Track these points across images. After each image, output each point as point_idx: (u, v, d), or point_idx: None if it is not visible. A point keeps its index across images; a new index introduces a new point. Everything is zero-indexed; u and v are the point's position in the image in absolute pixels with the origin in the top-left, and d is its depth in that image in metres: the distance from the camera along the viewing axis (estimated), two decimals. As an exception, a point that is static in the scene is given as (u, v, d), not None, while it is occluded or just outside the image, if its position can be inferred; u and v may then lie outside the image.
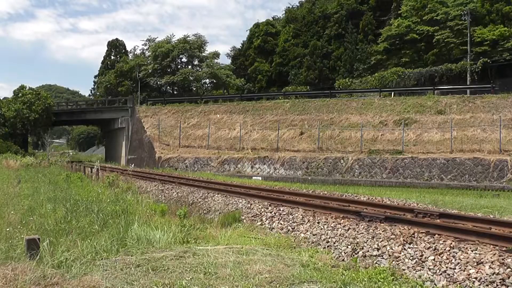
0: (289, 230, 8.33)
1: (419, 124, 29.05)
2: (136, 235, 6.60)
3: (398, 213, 8.94)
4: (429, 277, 5.36)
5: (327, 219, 8.22)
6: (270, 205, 10.06)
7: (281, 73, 59.18)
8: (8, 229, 6.85)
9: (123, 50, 74.10)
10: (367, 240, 6.71)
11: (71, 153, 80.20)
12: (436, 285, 5.21)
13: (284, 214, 9.15)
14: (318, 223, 8.12)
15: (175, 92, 61.81)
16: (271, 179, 25.07)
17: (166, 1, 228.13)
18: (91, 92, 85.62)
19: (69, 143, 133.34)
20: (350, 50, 51.72)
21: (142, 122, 40.75)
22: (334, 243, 7.10)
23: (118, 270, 4.97)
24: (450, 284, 5.12)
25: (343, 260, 6.35)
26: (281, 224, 8.75)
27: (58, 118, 49.51)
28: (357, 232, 7.14)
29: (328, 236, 7.40)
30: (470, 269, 5.22)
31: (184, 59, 63.32)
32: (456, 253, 5.61)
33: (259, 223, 9.20)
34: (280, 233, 8.22)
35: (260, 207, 10.10)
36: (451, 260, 5.50)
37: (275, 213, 9.41)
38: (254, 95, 48.20)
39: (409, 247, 6.14)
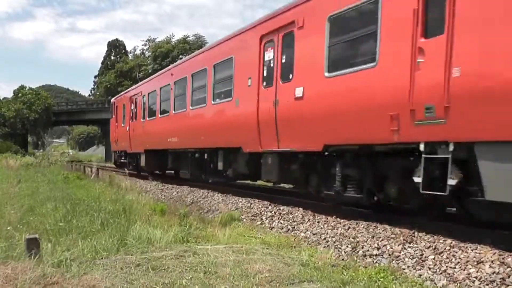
0: (289, 229, 8.33)
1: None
2: (136, 234, 6.60)
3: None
4: (429, 276, 5.36)
5: (327, 218, 8.22)
6: (270, 205, 10.05)
7: (281, 73, 59.12)
8: (8, 229, 6.85)
9: (123, 50, 74.23)
10: (367, 239, 6.72)
11: (71, 153, 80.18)
12: (436, 284, 5.21)
13: (284, 214, 9.15)
14: (318, 222, 8.12)
15: (175, 92, 61.82)
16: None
17: (165, 0, 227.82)
18: (91, 92, 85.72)
19: (69, 143, 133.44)
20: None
21: (142, 122, 40.55)
22: (334, 242, 7.10)
23: (118, 269, 4.97)
24: (450, 283, 5.13)
25: (343, 259, 6.35)
26: (281, 223, 8.75)
27: (58, 118, 49.62)
28: (357, 231, 7.14)
29: (328, 235, 7.40)
30: (470, 268, 5.22)
31: (184, 59, 63.39)
32: (456, 252, 5.61)
33: (259, 222, 9.20)
34: (280, 232, 8.23)
35: (260, 206, 10.10)
36: (451, 259, 5.50)
37: (275, 212, 9.41)
38: (254, 95, 48.07)
39: (409, 246, 6.14)
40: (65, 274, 4.65)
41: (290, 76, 8.82)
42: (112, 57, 72.78)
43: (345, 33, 7.64)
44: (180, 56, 61.96)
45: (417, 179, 6.23)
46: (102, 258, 5.44)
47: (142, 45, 71.81)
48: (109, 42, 74.97)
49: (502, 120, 5.09)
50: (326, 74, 7.86)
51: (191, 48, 60.77)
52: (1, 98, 52.11)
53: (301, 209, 9.14)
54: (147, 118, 17.46)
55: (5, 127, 46.40)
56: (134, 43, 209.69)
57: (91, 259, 5.35)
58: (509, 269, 4.97)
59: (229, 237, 7.19)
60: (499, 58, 5.13)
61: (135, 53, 70.06)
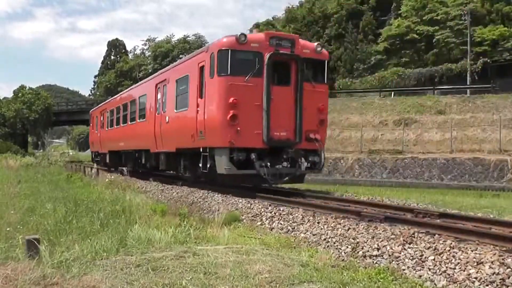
0: (289, 230, 8.33)
1: (419, 124, 29.09)
2: (136, 235, 6.59)
3: (398, 213, 8.93)
4: (429, 277, 5.36)
5: (327, 219, 8.22)
6: (270, 205, 10.05)
7: (281, 73, 59.09)
8: (8, 229, 6.85)
9: (123, 50, 74.24)
10: (367, 240, 6.71)
11: (71, 153, 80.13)
12: (436, 285, 5.21)
13: (284, 214, 9.15)
14: (318, 223, 8.12)
15: (175, 92, 61.89)
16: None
17: (165, 0, 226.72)
18: (91, 92, 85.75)
19: (69, 143, 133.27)
20: (350, 50, 51.74)
21: (142, 122, 40.50)
22: (334, 243, 7.10)
23: (118, 270, 4.97)
24: (450, 284, 5.12)
25: (343, 260, 6.35)
26: (281, 224, 8.75)
27: (58, 118, 49.57)
28: (357, 232, 7.14)
29: (328, 236, 7.40)
30: (470, 269, 5.22)
31: (184, 59, 63.38)
32: (456, 253, 5.61)
33: (259, 223, 9.20)
34: (280, 233, 8.23)
35: (260, 207, 10.09)
36: (451, 260, 5.50)
37: (275, 213, 9.40)
38: (254, 95, 48.13)
39: (409, 247, 6.14)
40: (65, 275, 4.64)
41: (165, 110, 14.86)
42: (112, 57, 72.76)
43: (181, 90, 13.65)
44: (180, 56, 62.02)
45: (201, 165, 12.17)
46: (102, 259, 5.43)
47: (142, 44, 71.85)
48: (109, 42, 75.06)
49: (216, 139, 11.22)
50: (175, 110, 13.96)
51: (191, 48, 60.82)
52: (1, 98, 52.11)
53: (301, 209, 9.14)
54: (109, 128, 23.54)
55: (5, 127, 46.39)
56: (134, 43, 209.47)
57: (91, 260, 5.34)
58: (509, 269, 4.97)
59: (229, 237, 7.18)
60: (212, 112, 11.22)
61: (135, 53, 70.20)
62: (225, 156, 10.86)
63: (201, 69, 11.91)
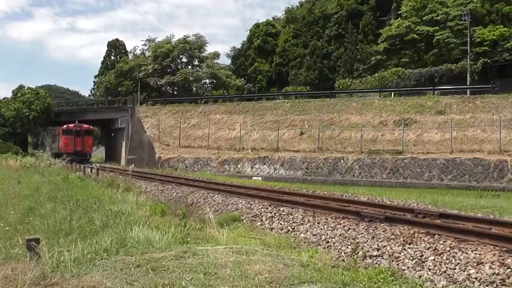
0: (289, 230, 8.33)
1: (419, 124, 29.07)
2: (136, 235, 6.58)
3: (398, 213, 8.94)
4: (429, 277, 5.36)
5: (327, 219, 8.22)
6: (270, 205, 10.05)
7: (281, 73, 59.16)
8: (8, 229, 6.84)
9: (123, 50, 73.91)
10: (367, 240, 6.72)
11: (71, 153, 79.86)
12: (436, 285, 5.21)
13: (284, 214, 9.15)
14: (318, 223, 8.12)
15: (175, 92, 61.81)
16: (271, 179, 25.08)
17: (165, 0, 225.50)
18: (91, 92, 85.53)
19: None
20: (350, 50, 51.70)
21: (142, 122, 40.77)
22: (334, 243, 7.11)
23: (118, 270, 4.96)
24: (450, 284, 5.13)
25: (343, 260, 6.35)
26: (281, 224, 8.75)
27: (58, 119, 49.45)
28: (357, 232, 7.15)
29: (328, 236, 7.40)
30: (470, 269, 5.22)
31: (184, 59, 63.28)
32: (456, 253, 5.61)
33: (259, 223, 9.20)
34: (280, 233, 8.23)
35: (260, 207, 10.10)
36: (451, 260, 5.50)
37: (275, 213, 9.41)
38: (254, 95, 48.18)
39: (409, 247, 6.14)
40: (65, 275, 4.64)
41: (60, 140, 43.51)
42: (112, 57, 72.46)
43: (60, 135, 43.47)
44: (180, 56, 62.00)
45: (63, 156, 35.29)
46: (102, 259, 5.42)
47: (142, 45, 71.48)
48: (109, 42, 74.69)
49: (63, 150, 41.86)
50: (59, 141, 44.10)
51: (191, 48, 60.72)
52: (1, 99, 52.12)
53: (301, 210, 9.15)
54: (56, 142, 44.93)
55: (5, 127, 46.41)
56: (134, 43, 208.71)
57: (91, 260, 5.33)
58: (509, 270, 4.97)
59: (229, 238, 7.17)
60: (62, 143, 43.04)
61: (135, 53, 69.88)
62: (65, 154, 36.90)
63: (61, 132, 42.24)
